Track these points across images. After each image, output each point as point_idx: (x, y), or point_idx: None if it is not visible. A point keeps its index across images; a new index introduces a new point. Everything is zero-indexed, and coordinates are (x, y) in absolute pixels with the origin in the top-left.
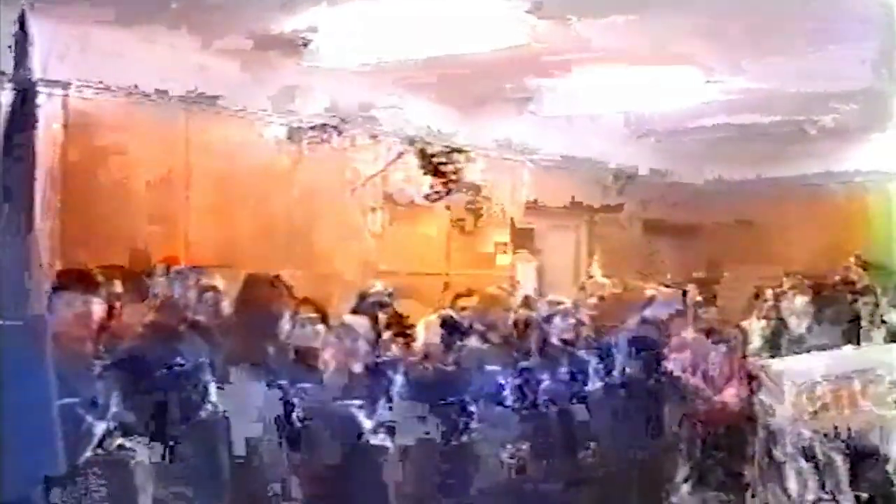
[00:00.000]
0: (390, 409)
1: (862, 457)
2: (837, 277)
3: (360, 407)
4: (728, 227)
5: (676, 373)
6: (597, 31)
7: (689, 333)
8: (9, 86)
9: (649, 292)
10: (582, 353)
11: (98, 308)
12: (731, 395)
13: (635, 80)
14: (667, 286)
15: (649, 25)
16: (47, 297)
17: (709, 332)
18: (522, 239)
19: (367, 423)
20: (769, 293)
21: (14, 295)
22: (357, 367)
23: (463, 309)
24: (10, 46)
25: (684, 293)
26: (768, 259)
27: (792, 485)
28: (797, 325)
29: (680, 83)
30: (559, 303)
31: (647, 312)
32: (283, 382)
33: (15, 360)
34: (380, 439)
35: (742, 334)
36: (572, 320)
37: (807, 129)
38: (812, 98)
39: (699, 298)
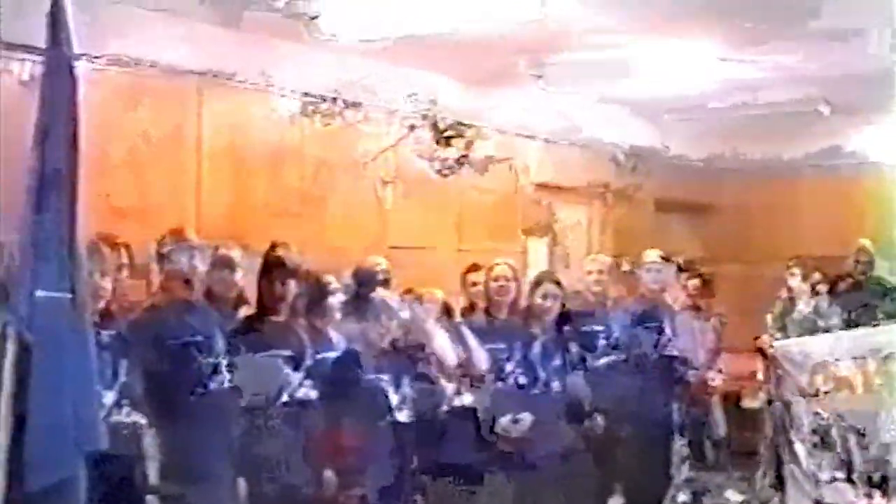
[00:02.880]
0: (410, 385)
1: (875, 437)
2: (851, 259)
3: (389, 382)
4: (740, 207)
5: (670, 350)
6: (611, 7)
7: (677, 306)
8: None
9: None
10: (585, 329)
11: (102, 280)
12: (715, 373)
13: (649, 58)
14: (664, 258)
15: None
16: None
17: (697, 308)
18: (534, 215)
19: (395, 399)
20: (796, 271)
21: (62, 267)
22: (385, 343)
23: (474, 284)
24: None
25: (679, 267)
26: (780, 239)
27: (806, 464)
28: (805, 305)
29: (694, 61)
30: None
31: (643, 286)
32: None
33: (62, 334)
34: (405, 416)
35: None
36: (554, 298)
37: (821, 110)
38: (827, 78)
39: (686, 276)
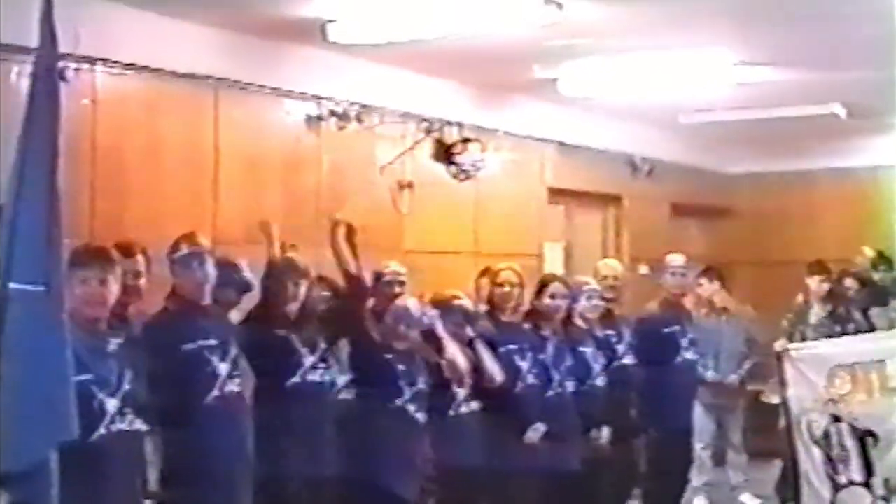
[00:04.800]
0: (424, 384)
1: (892, 441)
2: (869, 264)
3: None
4: (756, 211)
5: (691, 354)
6: (627, 12)
7: (697, 313)
8: (32, 61)
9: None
10: (602, 335)
11: (113, 286)
12: (735, 378)
13: (665, 62)
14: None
15: (679, 5)
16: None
17: (719, 312)
18: (550, 220)
19: (408, 392)
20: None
21: (37, 261)
22: (401, 346)
23: (500, 284)
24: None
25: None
26: (796, 243)
27: (823, 468)
28: (820, 309)
29: (710, 65)
30: (585, 283)
31: (664, 290)
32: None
33: (34, 325)
34: (412, 411)
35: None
36: (597, 301)
37: (837, 114)
38: (842, 81)
39: (703, 280)
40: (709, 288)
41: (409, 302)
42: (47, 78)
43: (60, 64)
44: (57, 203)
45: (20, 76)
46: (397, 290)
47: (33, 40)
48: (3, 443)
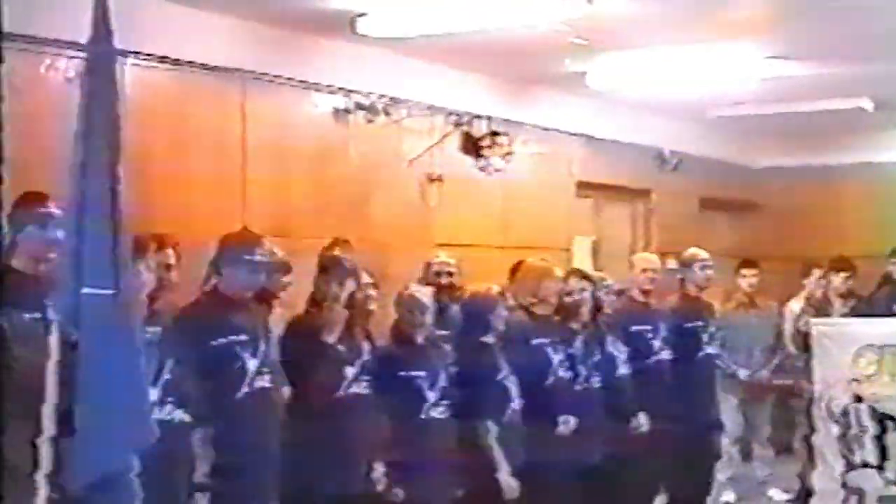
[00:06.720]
0: (449, 382)
1: None
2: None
3: (424, 379)
4: (784, 205)
5: (713, 349)
6: (657, 5)
7: (727, 306)
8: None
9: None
10: (631, 329)
11: (150, 276)
12: (767, 372)
13: (694, 56)
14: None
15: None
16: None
17: (748, 306)
18: (578, 214)
19: (431, 396)
20: (816, 272)
21: (105, 263)
22: (420, 339)
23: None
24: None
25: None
26: (824, 238)
27: (837, 445)
28: (841, 304)
29: (739, 59)
30: (601, 278)
31: (689, 284)
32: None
33: (106, 331)
34: (439, 412)
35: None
36: (613, 296)
37: (864, 107)
38: (870, 75)
39: (746, 271)
40: (752, 280)
41: (413, 288)
42: (104, 75)
43: (116, 60)
44: (120, 203)
45: (50, 69)
46: (444, 280)
47: (84, 35)
48: (80, 453)
